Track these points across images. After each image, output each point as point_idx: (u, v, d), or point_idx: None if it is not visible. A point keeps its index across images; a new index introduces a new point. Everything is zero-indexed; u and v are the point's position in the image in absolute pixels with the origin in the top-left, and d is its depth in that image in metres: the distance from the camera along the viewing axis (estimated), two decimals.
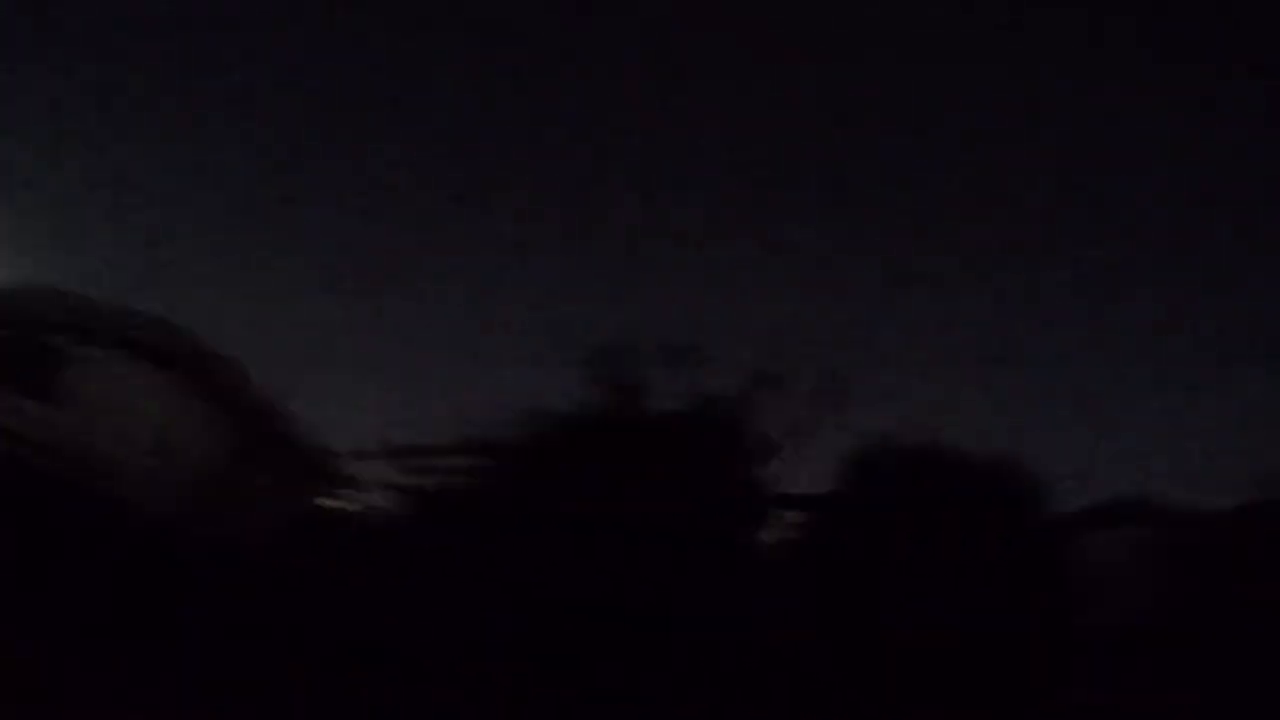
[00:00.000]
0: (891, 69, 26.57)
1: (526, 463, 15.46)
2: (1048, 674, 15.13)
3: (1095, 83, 26.26)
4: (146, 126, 26.13)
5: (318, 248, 26.14)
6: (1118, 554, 17.10)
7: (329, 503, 18.38)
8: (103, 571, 13.37)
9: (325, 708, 12.13)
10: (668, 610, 14.17)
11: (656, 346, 15.02)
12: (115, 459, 15.01)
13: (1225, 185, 27.41)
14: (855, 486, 14.73)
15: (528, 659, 13.63)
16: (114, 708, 10.27)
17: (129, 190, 24.67)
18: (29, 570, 12.69)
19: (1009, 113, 26.90)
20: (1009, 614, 14.10)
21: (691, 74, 27.27)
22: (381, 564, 15.36)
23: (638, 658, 13.82)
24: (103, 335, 15.93)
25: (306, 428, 18.46)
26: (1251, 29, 24.76)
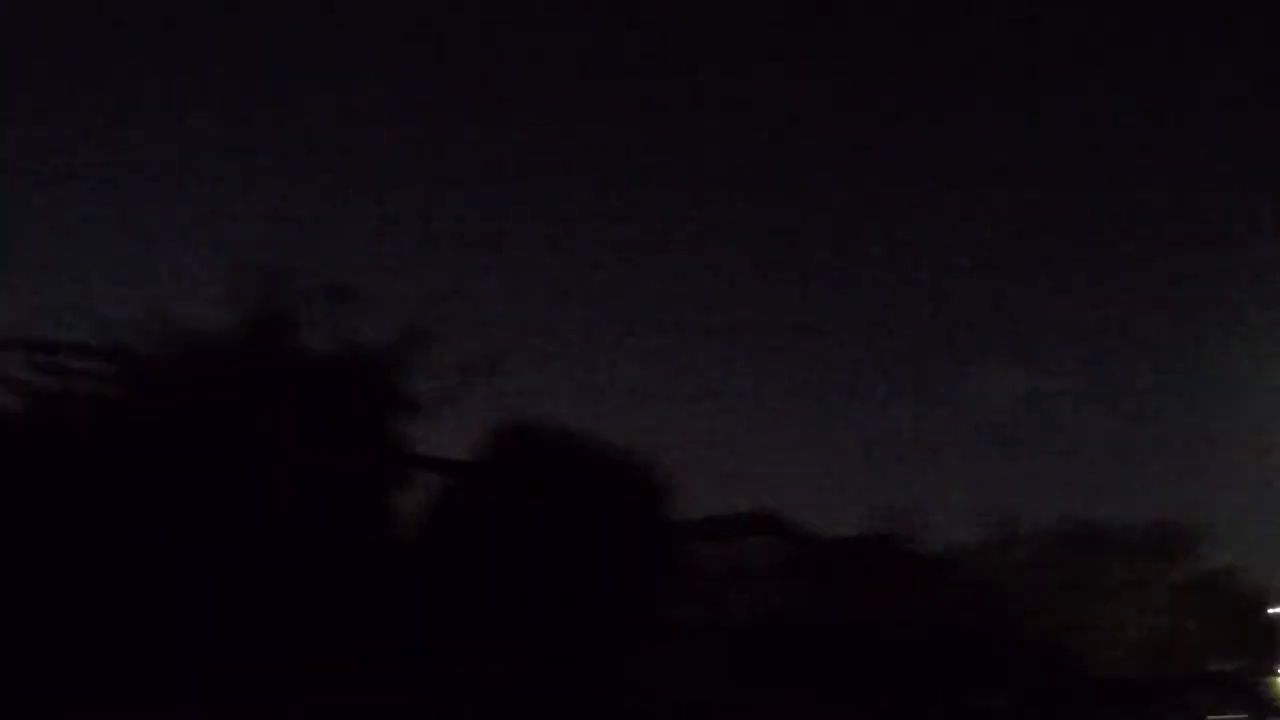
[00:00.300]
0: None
1: (162, 379, 14.59)
2: (652, 665, 15.79)
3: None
4: None
5: None
6: (746, 560, 18.18)
7: None
8: None
9: None
10: (290, 554, 13.74)
11: (315, 282, 14.40)
12: None
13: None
14: (493, 458, 14.73)
15: (135, 595, 12.88)
16: None
17: None
18: None
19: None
20: (616, 602, 14.50)
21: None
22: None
23: (256, 601, 13.33)
24: None
25: None
26: None
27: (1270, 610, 51.73)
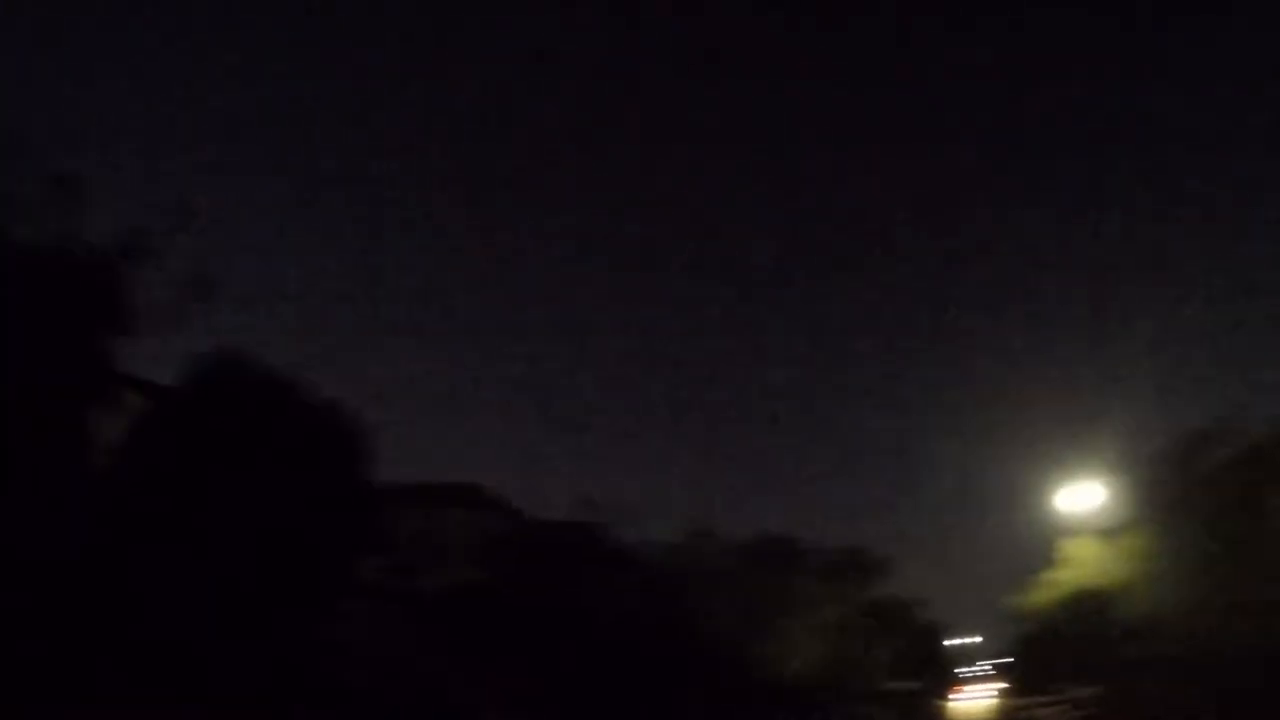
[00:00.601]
0: None
1: None
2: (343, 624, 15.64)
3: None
4: None
5: None
6: (447, 531, 18.38)
7: None
8: None
9: None
10: None
11: (37, 166, 13.18)
12: None
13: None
14: (194, 389, 14.09)
15: None
16: None
17: None
18: None
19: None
20: (309, 555, 14.21)
21: None
22: None
23: None
24: None
25: None
26: None
27: (944, 641, 57.69)
